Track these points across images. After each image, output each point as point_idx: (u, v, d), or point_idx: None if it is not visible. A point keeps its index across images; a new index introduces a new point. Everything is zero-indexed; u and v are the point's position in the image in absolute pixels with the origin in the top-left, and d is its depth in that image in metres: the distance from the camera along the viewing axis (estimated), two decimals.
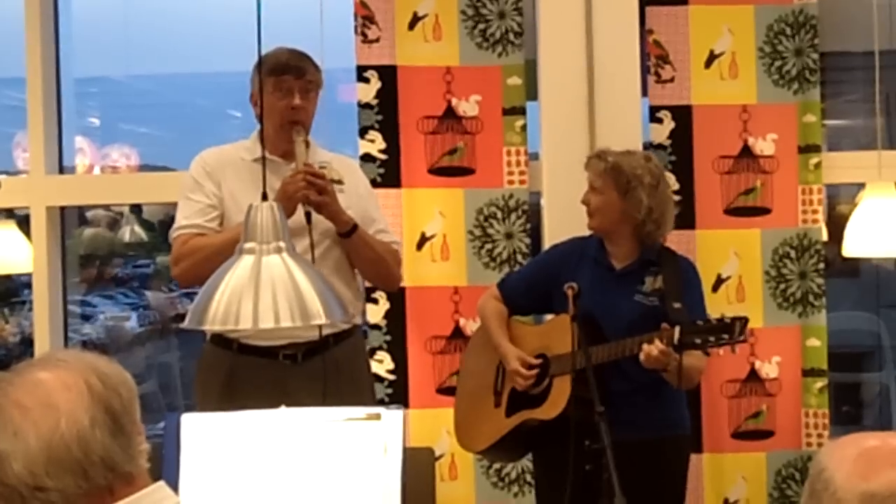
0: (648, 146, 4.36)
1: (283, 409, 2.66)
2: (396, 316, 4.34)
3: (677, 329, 3.42)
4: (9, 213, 4.89)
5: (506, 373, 3.80)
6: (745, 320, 3.42)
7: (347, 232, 3.56)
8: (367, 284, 4.17)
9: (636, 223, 3.70)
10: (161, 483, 1.71)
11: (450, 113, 4.36)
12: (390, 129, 4.34)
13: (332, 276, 3.54)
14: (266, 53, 3.63)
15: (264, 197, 2.40)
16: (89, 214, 8.03)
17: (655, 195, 3.72)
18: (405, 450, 2.60)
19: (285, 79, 3.60)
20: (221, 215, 3.62)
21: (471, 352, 4.03)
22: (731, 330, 3.40)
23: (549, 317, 3.89)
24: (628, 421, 3.50)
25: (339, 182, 3.64)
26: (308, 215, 3.46)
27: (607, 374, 3.51)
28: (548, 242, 4.22)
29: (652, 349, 3.42)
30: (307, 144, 3.62)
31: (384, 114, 4.34)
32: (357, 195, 3.70)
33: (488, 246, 4.36)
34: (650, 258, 3.71)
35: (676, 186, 4.34)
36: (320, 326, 3.48)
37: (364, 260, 3.66)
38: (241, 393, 3.48)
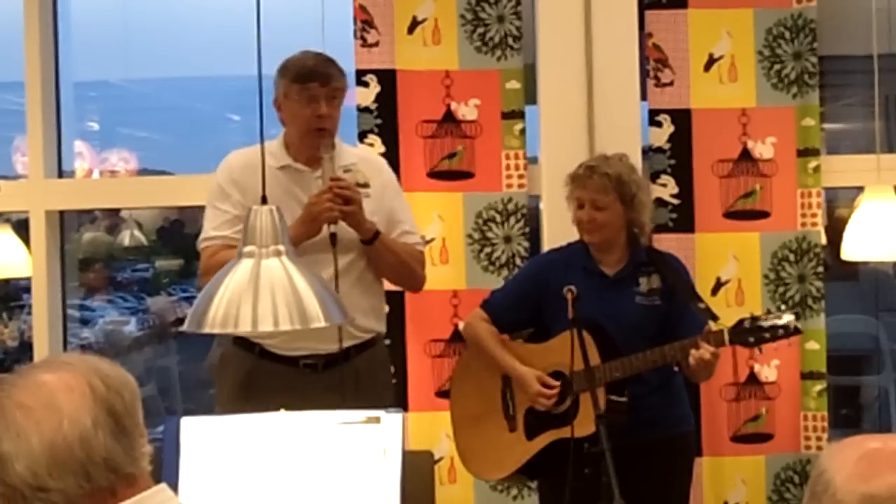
0: (648, 150, 4.37)
1: (282, 412, 2.66)
2: (396, 319, 4.33)
3: (725, 331, 3.48)
4: (4, 218, 4.89)
5: (515, 395, 3.76)
6: (796, 315, 3.52)
7: (370, 239, 3.51)
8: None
9: (635, 227, 3.71)
10: (163, 485, 1.71)
11: (449, 117, 4.36)
12: (389, 133, 4.34)
13: (354, 288, 3.53)
14: (290, 58, 3.60)
15: (263, 200, 2.40)
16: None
17: (647, 192, 3.79)
18: (404, 453, 2.60)
19: (311, 86, 3.50)
20: None
21: (461, 377, 3.94)
22: (786, 324, 3.47)
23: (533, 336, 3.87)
24: (647, 421, 3.55)
25: (366, 185, 3.58)
26: (333, 237, 3.43)
27: (626, 379, 3.55)
28: (547, 246, 4.22)
29: (703, 353, 3.45)
30: (333, 146, 3.56)
31: (383, 118, 4.34)
32: (383, 197, 3.65)
33: (487, 250, 4.36)
34: (641, 259, 3.73)
35: (676, 190, 4.35)
36: (340, 339, 3.48)
37: (387, 265, 3.62)
38: (258, 397, 3.43)
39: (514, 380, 3.75)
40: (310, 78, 3.52)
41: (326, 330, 3.27)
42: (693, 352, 3.46)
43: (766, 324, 3.48)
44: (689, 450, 3.86)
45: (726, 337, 3.48)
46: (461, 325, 4.05)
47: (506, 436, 3.77)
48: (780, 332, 3.47)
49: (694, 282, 3.92)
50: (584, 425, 3.54)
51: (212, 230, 3.56)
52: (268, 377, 3.55)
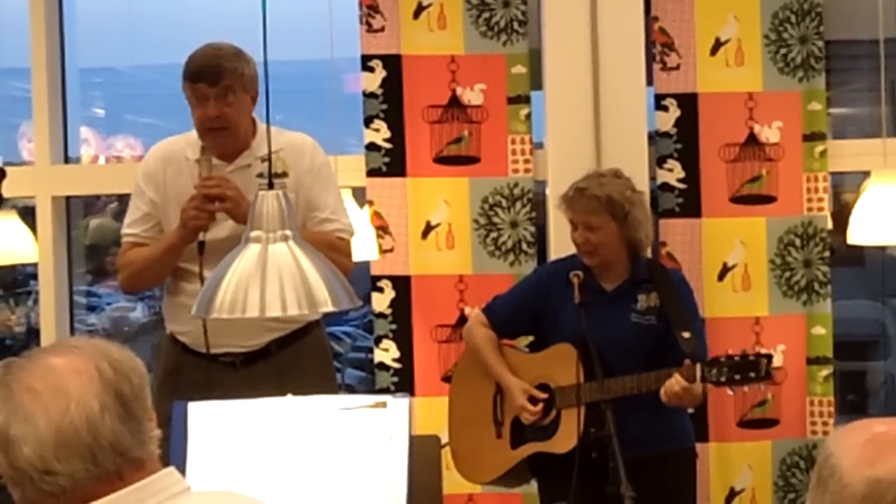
0: (654, 134, 4.36)
1: (289, 397, 2.66)
2: (402, 304, 4.35)
3: (698, 367, 3.40)
4: (11, 204, 4.89)
5: (504, 402, 3.75)
6: (770, 357, 3.42)
7: None
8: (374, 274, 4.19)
9: (634, 243, 3.67)
10: (171, 469, 1.71)
11: (455, 102, 4.36)
12: (395, 119, 4.34)
13: None
14: (194, 51, 3.52)
15: (270, 186, 2.40)
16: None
17: (644, 207, 3.72)
18: (411, 438, 2.60)
19: (200, 87, 3.43)
20: (161, 222, 3.58)
21: (459, 378, 3.93)
22: (758, 368, 3.39)
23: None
24: (635, 438, 3.48)
25: (284, 175, 3.45)
26: (201, 245, 3.40)
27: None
28: (553, 231, 4.22)
29: (673, 385, 3.39)
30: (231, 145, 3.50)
31: (389, 103, 4.34)
32: (299, 186, 3.52)
33: (493, 234, 4.36)
34: (641, 275, 3.68)
35: (682, 174, 4.34)
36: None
37: None
38: (182, 388, 3.44)
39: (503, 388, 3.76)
40: (198, 77, 3.45)
41: (244, 327, 3.29)
42: (666, 384, 3.40)
43: (738, 366, 3.39)
44: (682, 466, 3.74)
45: (698, 373, 3.39)
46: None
47: (492, 441, 3.77)
48: (752, 375, 3.39)
49: (695, 299, 3.84)
50: (563, 443, 3.55)
51: (126, 226, 3.66)
52: (191, 370, 3.58)
